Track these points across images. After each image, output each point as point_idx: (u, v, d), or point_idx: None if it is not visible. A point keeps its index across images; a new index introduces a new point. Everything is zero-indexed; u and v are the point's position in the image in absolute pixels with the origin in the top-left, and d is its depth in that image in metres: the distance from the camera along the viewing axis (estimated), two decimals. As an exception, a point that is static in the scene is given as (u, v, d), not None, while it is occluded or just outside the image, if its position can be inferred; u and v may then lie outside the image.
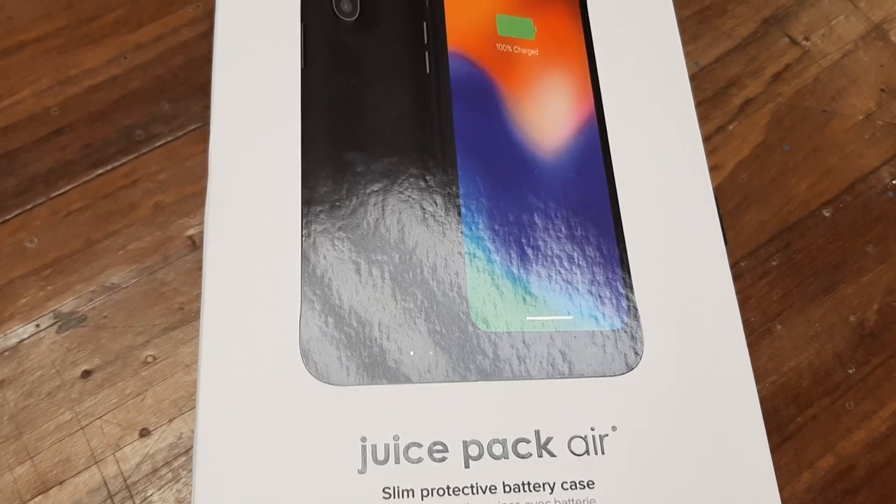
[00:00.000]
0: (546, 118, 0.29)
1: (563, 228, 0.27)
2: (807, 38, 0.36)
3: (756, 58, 0.36)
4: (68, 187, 0.30)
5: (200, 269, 0.30)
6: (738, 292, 0.31)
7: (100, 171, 0.31)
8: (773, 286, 0.31)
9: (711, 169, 0.33)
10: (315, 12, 0.29)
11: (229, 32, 0.29)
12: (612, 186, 0.29)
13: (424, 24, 0.30)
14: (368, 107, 0.28)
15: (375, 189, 0.27)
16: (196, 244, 0.30)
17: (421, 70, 0.29)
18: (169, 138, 0.32)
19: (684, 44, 0.31)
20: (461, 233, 0.27)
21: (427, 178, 0.27)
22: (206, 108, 0.32)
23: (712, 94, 0.35)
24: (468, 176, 0.27)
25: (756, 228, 0.32)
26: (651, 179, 0.30)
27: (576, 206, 0.28)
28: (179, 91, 0.33)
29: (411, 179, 0.27)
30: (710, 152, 0.33)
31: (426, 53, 0.29)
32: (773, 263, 0.32)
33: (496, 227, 0.27)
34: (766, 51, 0.36)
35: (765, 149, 0.34)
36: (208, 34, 0.34)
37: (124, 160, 0.31)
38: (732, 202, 0.33)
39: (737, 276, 0.31)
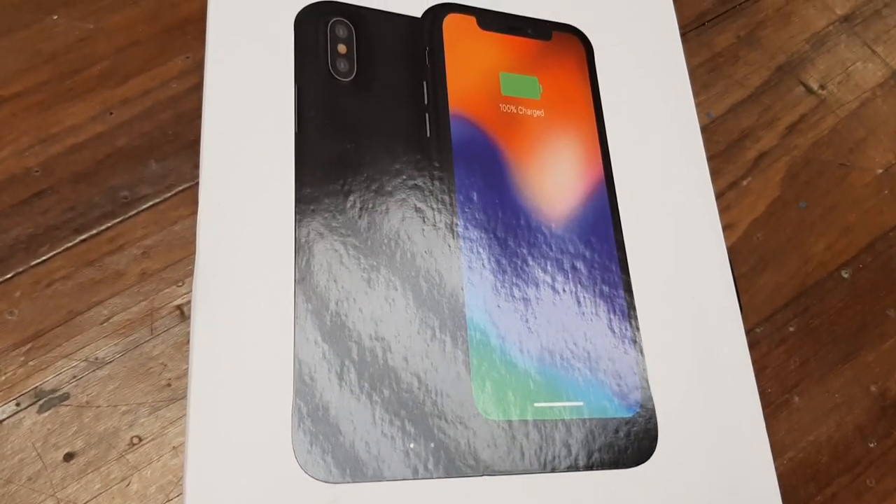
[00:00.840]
0: (553, 184, 0.28)
1: (571, 305, 0.26)
2: (822, 87, 0.35)
3: (770, 108, 0.35)
4: (51, 254, 0.29)
5: (189, 342, 0.28)
6: (754, 361, 0.30)
7: (83, 236, 0.30)
8: (790, 354, 0.30)
9: (725, 228, 0.32)
10: (310, 71, 0.28)
11: (219, 89, 0.28)
12: (623, 256, 0.28)
13: (424, 83, 0.29)
14: (366, 173, 0.27)
15: (373, 263, 0.26)
16: (185, 315, 0.29)
17: (421, 133, 0.28)
18: (156, 200, 0.31)
19: (695, 93, 0.30)
20: (464, 310, 0.26)
21: (428, 250, 0.26)
22: (196, 167, 0.31)
23: (725, 147, 0.34)
24: (471, 248, 0.26)
25: (772, 292, 0.31)
26: (663, 244, 0.29)
27: (585, 279, 0.27)
28: (168, 149, 0.31)
29: (411, 252, 0.26)
30: (724, 210, 0.32)
31: (426, 115, 0.28)
32: (791, 329, 0.31)
33: (501, 303, 0.26)
34: (781, 100, 0.35)
35: (780, 206, 0.33)
36: (198, 87, 0.33)
37: (109, 224, 0.30)
38: (747, 264, 0.31)
39: (752, 345, 0.30)
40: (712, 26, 0.36)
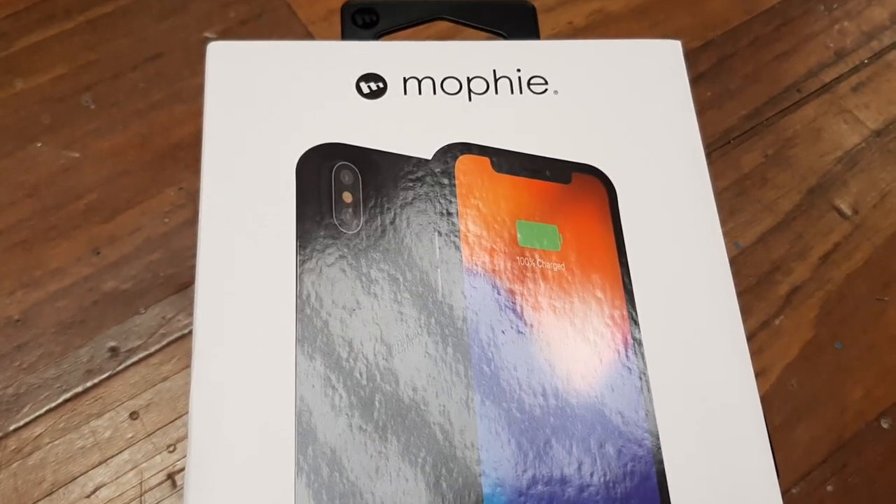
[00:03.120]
0: (577, 351, 0.27)
1: (601, 494, 0.25)
2: (856, 211, 0.34)
3: (802, 236, 0.33)
4: (32, 416, 0.28)
5: (182, 518, 0.27)
6: (790, 529, 0.28)
7: (68, 395, 0.28)
8: (829, 519, 0.29)
9: (757, 374, 0.30)
10: (312, 222, 0.27)
11: (214, 235, 0.27)
12: (654, 428, 0.26)
13: (436, 235, 0.27)
14: (372, 340, 0.25)
15: (381, 449, 0.24)
16: (176, 485, 0.28)
17: (432, 292, 0.27)
18: (146, 352, 0.29)
19: (722, 221, 0.29)
20: (482, 499, 0.24)
21: (441, 431, 0.25)
22: (190, 314, 0.30)
23: (755, 282, 0.32)
24: (489, 427, 0.25)
25: (808, 446, 0.30)
26: (696, 408, 0.27)
27: (614, 463, 0.26)
28: (158, 293, 0.30)
29: (422, 432, 0.24)
30: (755, 354, 0.31)
31: (438, 272, 0.27)
32: (829, 489, 0.29)
33: (522, 492, 0.24)
34: (813, 227, 0.34)
35: (815, 348, 0.31)
36: (191, 223, 0.31)
37: (96, 380, 0.29)
38: (781, 415, 0.30)
39: (788, 509, 0.29)
40: (738, 144, 0.35)
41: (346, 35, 0.32)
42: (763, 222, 0.34)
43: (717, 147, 0.35)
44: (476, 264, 0.27)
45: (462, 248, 0.28)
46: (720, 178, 0.34)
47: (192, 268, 0.31)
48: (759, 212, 0.34)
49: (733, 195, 0.34)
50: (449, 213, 0.28)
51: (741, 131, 0.35)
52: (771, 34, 0.38)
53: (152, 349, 0.29)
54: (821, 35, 0.38)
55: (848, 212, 0.34)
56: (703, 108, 0.35)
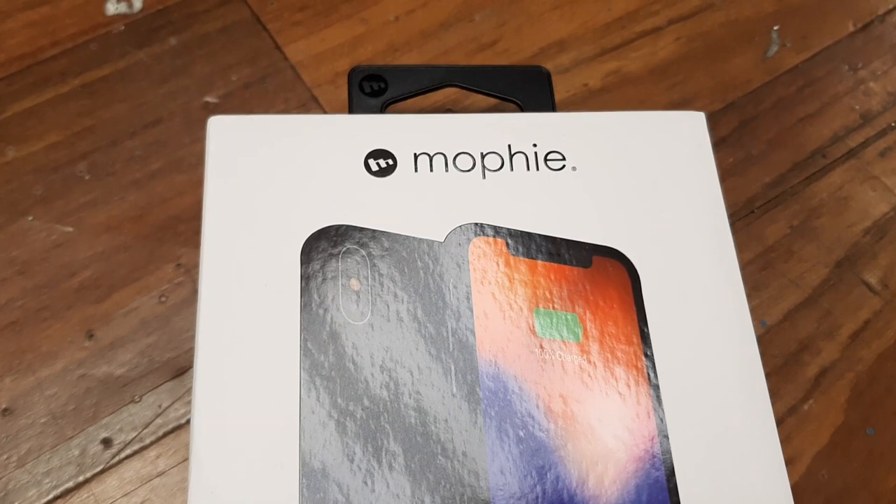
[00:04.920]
0: (600, 453, 0.25)
1: None
2: (885, 286, 0.33)
3: (830, 312, 0.32)
4: (20, 515, 0.26)
5: None
6: None
7: (58, 491, 0.27)
8: None
9: (787, 463, 0.29)
10: (317, 312, 0.26)
11: (214, 314, 0.26)
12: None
13: (450, 325, 0.26)
14: (382, 442, 0.24)
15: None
16: (174, 592, 0.26)
17: (446, 389, 0.25)
18: (141, 444, 0.28)
19: (747, 297, 0.27)
20: None
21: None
22: (188, 402, 0.28)
23: (782, 363, 0.31)
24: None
25: (841, 542, 0.28)
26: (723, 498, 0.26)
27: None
28: (155, 379, 0.29)
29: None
30: (784, 440, 0.30)
31: (452, 367, 0.25)
32: (864, 590, 0.28)
33: None
34: (841, 302, 0.32)
35: (846, 434, 0.30)
36: (190, 302, 0.30)
37: (88, 475, 0.27)
38: (812, 509, 0.29)
39: None
40: (762, 214, 0.34)
41: (353, 102, 0.31)
42: (789, 298, 0.32)
43: (741, 217, 0.34)
44: (492, 357, 0.26)
45: (477, 340, 0.26)
46: (744, 250, 0.33)
47: (190, 352, 0.29)
48: (786, 287, 0.32)
49: (758, 269, 0.33)
50: (461, 301, 0.26)
51: (765, 200, 0.34)
52: (794, 96, 0.37)
53: (147, 441, 0.28)
54: (845, 97, 0.37)
55: (877, 286, 0.33)
56: (725, 175, 0.34)
